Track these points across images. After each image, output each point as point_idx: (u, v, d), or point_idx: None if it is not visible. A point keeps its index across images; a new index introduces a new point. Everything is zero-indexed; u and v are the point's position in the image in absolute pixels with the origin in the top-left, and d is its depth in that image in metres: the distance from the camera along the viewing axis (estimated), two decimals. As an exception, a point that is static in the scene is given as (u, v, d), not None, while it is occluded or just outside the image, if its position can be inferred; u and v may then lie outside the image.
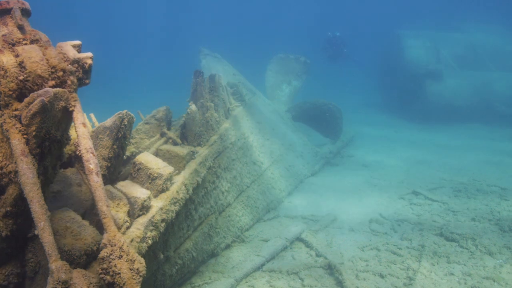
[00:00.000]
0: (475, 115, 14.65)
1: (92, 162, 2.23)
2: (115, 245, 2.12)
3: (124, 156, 4.60)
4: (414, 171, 8.95)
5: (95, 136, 3.38)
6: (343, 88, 24.18)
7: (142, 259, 2.22)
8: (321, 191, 7.66)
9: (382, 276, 4.62)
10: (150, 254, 3.55)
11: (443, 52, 16.20)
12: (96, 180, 2.22)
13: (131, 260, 2.13)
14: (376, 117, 16.79)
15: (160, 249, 3.78)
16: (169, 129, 4.96)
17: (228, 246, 5.37)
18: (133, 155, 4.61)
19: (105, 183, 3.43)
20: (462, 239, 5.38)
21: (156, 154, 4.42)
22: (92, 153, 2.25)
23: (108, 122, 3.33)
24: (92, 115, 4.10)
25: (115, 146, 3.34)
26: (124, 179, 3.80)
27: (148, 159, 3.65)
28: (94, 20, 43.79)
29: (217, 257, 5.11)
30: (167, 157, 4.34)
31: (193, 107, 5.19)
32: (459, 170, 8.87)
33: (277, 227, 6.04)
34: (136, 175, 3.61)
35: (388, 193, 7.48)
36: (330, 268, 4.80)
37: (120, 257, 2.11)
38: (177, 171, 4.18)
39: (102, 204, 2.19)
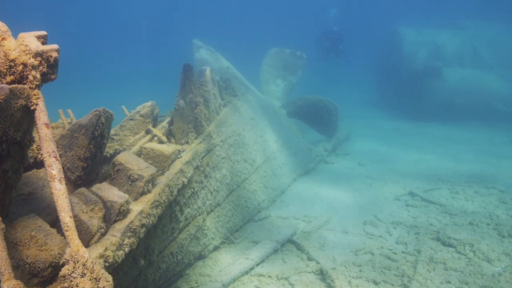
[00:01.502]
0: (474, 113, 14.45)
1: (54, 168, 2.00)
2: (78, 262, 1.90)
3: (108, 154, 4.37)
4: (411, 171, 8.75)
5: (70, 135, 3.14)
6: (340, 84, 23.90)
7: (110, 276, 1.99)
8: (315, 191, 7.45)
9: (376, 283, 4.43)
10: (129, 261, 3.33)
11: (442, 49, 15.98)
12: (58, 188, 1.98)
13: (95, 278, 1.91)
14: (373, 114, 16.55)
15: (141, 255, 3.55)
16: (155, 125, 4.72)
17: (216, 248, 5.16)
18: (117, 152, 4.37)
19: (80, 185, 3.20)
20: (459, 244, 5.19)
21: (140, 152, 4.18)
22: (55, 157, 2.02)
23: (84, 119, 3.08)
24: (69, 111, 3.85)
25: (91, 146, 3.09)
26: (104, 179, 3.57)
27: (129, 159, 3.41)
28: (77, 10, 42.45)
29: (204, 259, 4.91)
30: (151, 156, 4.10)
31: (181, 102, 4.96)
32: (456, 171, 8.68)
33: (268, 228, 5.83)
34: (115, 176, 3.37)
35: (383, 194, 7.28)
36: (322, 274, 4.60)
37: (83, 275, 1.88)
38: (160, 172, 3.95)
39: (65, 214, 1.96)
